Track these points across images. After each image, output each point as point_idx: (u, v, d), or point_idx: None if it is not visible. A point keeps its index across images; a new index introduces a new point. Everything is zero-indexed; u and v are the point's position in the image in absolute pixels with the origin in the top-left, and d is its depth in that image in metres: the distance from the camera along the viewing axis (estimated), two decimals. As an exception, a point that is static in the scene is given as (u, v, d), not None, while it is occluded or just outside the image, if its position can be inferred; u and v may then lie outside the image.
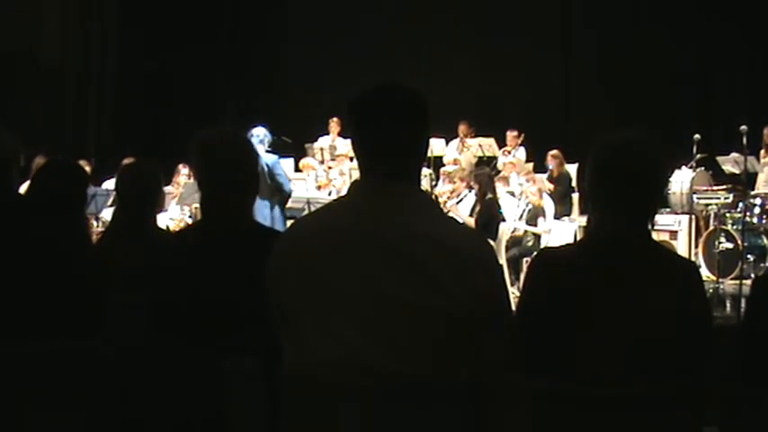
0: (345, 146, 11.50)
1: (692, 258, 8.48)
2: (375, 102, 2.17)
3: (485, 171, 9.87)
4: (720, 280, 8.27)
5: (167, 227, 8.41)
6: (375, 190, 2.15)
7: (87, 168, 9.77)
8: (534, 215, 9.45)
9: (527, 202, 9.62)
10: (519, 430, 2.19)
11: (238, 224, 2.73)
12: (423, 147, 2.22)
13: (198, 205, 10.40)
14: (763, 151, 9.99)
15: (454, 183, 10.12)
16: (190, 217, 10.09)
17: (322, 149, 12.55)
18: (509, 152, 11.97)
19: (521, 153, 12.00)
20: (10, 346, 2.45)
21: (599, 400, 2.12)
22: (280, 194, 8.08)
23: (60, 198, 3.20)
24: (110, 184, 9.77)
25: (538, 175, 10.55)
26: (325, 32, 13.57)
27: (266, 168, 7.65)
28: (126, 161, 7.44)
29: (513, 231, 9.26)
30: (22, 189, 3.76)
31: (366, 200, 2.14)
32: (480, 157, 12.18)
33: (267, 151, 8.15)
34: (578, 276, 2.24)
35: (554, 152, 10.93)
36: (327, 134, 12.90)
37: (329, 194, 10.76)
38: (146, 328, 2.71)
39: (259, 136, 8.08)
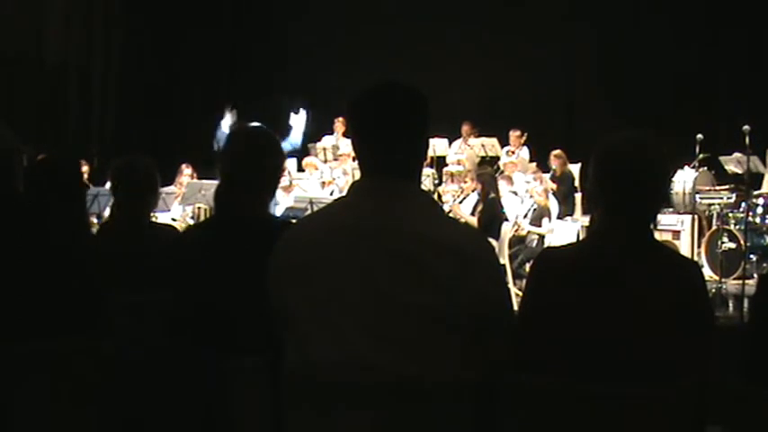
0: (348, 145, 11.50)
1: (695, 258, 8.47)
2: (375, 101, 2.17)
3: (487, 170, 9.85)
4: (723, 280, 8.26)
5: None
6: (375, 190, 2.15)
7: (85, 167, 9.80)
8: (539, 215, 9.42)
9: (533, 202, 9.59)
10: (519, 430, 2.19)
11: (251, 218, 2.69)
12: (423, 146, 2.22)
13: (201, 205, 10.43)
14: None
15: (464, 183, 10.04)
16: (192, 218, 10.09)
17: (325, 149, 12.55)
18: (513, 152, 11.96)
19: (524, 153, 11.99)
20: (9, 345, 2.45)
21: (600, 399, 2.12)
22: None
23: (56, 192, 3.20)
24: (113, 184, 9.76)
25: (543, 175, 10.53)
26: (327, 32, 13.57)
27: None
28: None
29: (515, 230, 9.22)
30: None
31: (366, 200, 2.14)
32: (483, 157, 12.18)
33: None
34: (580, 276, 2.24)
35: (557, 152, 10.93)
36: (331, 134, 12.90)
37: (331, 194, 10.76)
38: (146, 327, 2.71)
39: None
